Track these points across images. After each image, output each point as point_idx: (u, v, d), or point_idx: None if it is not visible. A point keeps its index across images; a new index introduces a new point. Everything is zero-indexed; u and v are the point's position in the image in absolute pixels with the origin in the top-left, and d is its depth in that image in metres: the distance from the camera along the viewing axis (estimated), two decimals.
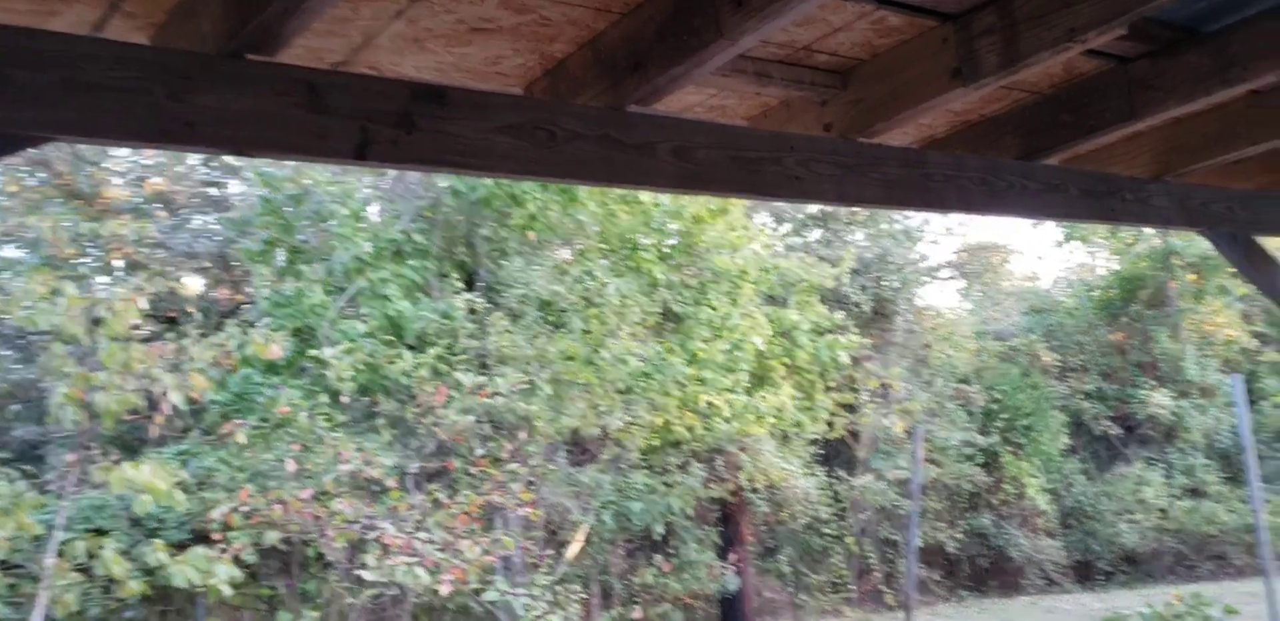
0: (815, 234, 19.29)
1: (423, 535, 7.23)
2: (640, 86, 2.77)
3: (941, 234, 27.11)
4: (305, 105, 2.31)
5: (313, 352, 9.62)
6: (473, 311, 10.32)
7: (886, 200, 3.53)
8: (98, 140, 2.08)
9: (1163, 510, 21.40)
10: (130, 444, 12.95)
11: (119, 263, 17.26)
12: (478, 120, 2.56)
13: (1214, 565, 21.42)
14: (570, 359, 9.87)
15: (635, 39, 2.74)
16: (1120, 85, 3.72)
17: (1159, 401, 21.96)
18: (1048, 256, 40.18)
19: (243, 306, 15.51)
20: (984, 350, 21.75)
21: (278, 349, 7.39)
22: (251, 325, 11.83)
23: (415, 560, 6.96)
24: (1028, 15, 2.96)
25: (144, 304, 6.84)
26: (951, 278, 24.32)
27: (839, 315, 14.38)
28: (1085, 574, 21.03)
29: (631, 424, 10.45)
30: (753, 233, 12.83)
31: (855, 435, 17.20)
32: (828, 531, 13.69)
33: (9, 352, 17.36)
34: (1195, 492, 22.06)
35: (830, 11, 2.96)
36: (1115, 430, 22.24)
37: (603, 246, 11.36)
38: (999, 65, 3.03)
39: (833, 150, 3.31)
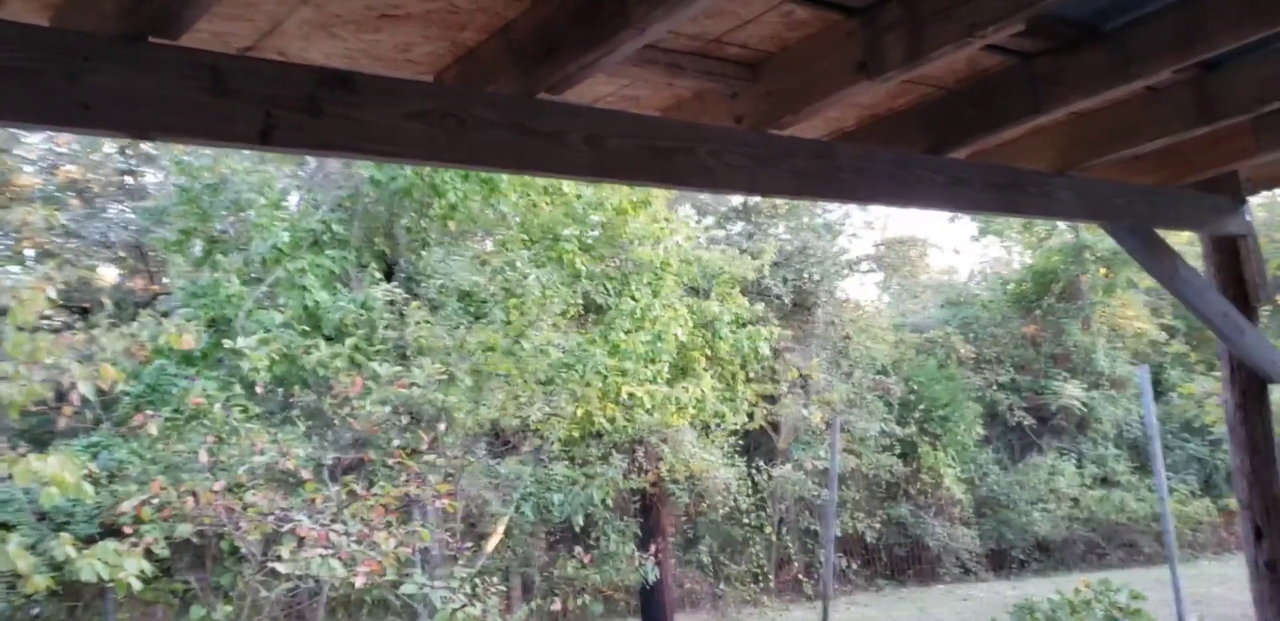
0: (738, 227, 19.44)
1: (338, 527, 7.17)
2: (551, 74, 2.79)
3: (861, 228, 27.41)
4: (209, 89, 2.29)
5: (227, 343, 9.49)
6: (391, 302, 10.26)
7: (797, 191, 3.58)
8: None
9: (1075, 499, 21.89)
10: (40, 436, 12.68)
11: (30, 251, 16.88)
12: (386, 106, 2.55)
13: (1124, 553, 21.96)
14: (490, 349, 9.85)
15: (546, 27, 2.76)
16: (1024, 81, 3.81)
17: (1071, 392, 22.46)
18: (965, 250, 40.82)
19: (159, 297, 15.26)
20: (902, 342, 22.07)
21: (191, 339, 7.27)
22: (166, 315, 11.65)
23: (330, 552, 6.91)
24: (932, 10, 3.01)
25: (52, 293, 6.68)
26: (870, 271, 24.63)
27: (760, 307, 14.49)
28: (1000, 562, 21.45)
29: (552, 415, 10.45)
30: (675, 225, 12.89)
31: (775, 426, 17.36)
32: (747, 522, 13.83)
33: None
34: (1106, 482, 22.61)
35: (739, 4, 2.99)
36: (1029, 421, 22.70)
37: (524, 237, 11.33)
38: (903, 59, 3.08)
39: (744, 142, 3.35)
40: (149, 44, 2.26)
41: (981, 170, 4.31)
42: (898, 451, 20.00)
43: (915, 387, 20.84)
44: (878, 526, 19.72)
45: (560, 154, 2.84)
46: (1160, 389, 21.89)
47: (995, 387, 22.84)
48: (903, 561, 20.76)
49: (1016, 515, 21.30)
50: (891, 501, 20.52)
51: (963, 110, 3.98)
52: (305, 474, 7.82)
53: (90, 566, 6.40)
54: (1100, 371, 23.26)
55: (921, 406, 20.61)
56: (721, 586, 13.95)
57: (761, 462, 15.38)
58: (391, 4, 2.66)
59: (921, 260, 27.73)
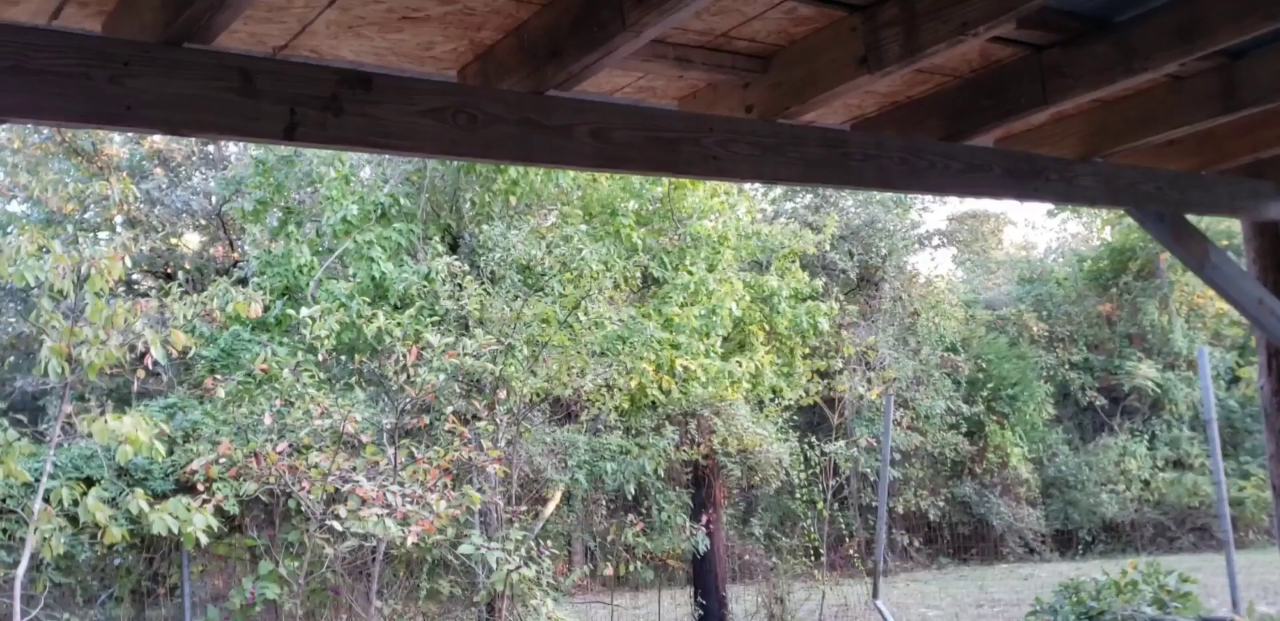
0: (805, 199, 19.44)
1: (395, 488, 7.53)
2: (558, 73, 3.00)
3: (933, 201, 27.09)
4: (237, 89, 2.54)
5: (290, 312, 9.91)
6: (453, 274, 10.58)
7: (805, 178, 3.76)
8: (44, 121, 2.32)
9: (1145, 481, 21.64)
10: (126, 396, 13.30)
11: (119, 218, 17.54)
12: (402, 104, 2.79)
13: (1195, 537, 21.65)
14: (545, 322, 10.14)
15: (553, 28, 2.96)
16: (1034, 72, 3.92)
17: (1145, 373, 22.14)
18: (1041, 226, 40.18)
19: (238, 264, 15.78)
20: (973, 319, 21.94)
21: (258, 307, 7.65)
22: (244, 283, 12.12)
23: (387, 512, 7.26)
24: (925, 9, 3.16)
25: (128, 262, 7.08)
26: (940, 245, 24.41)
27: (822, 281, 14.59)
28: (1065, 543, 21.34)
29: (604, 386, 10.72)
30: (735, 199, 13.02)
31: (834, 401, 17.45)
32: (803, 496, 14.01)
33: (14, 305, 17.74)
34: (1178, 464, 22.30)
35: (742, 2, 3.16)
36: (1101, 401, 22.44)
37: (583, 212, 11.58)
38: (900, 55, 3.24)
39: (751, 131, 3.53)
40: (184, 48, 2.52)
41: (999, 156, 4.43)
42: (964, 430, 19.96)
43: (984, 365, 20.73)
44: (941, 504, 19.74)
45: (567, 146, 3.06)
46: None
47: (1067, 367, 22.59)
48: (966, 540, 20.77)
49: (1084, 496, 21.13)
50: (956, 480, 20.50)
51: (977, 99, 4.11)
52: (365, 437, 8.19)
53: (161, 520, 6.82)
54: (1176, 352, 22.89)
55: (990, 385, 20.50)
56: (774, 559, 14.16)
57: (821, 438, 15.52)
58: (410, 7, 2.88)
59: (995, 235, 27.42)
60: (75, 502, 7.01)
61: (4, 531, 9.73)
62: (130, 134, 17.56)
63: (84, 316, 6.89)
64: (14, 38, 2.30)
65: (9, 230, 15.64)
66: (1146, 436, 22.44)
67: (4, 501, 9.10)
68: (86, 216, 17.49)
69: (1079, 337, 23.35)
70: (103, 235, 17.38)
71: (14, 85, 2.27)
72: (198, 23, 2.45)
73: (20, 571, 6.94)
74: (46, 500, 7.12)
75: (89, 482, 9.64)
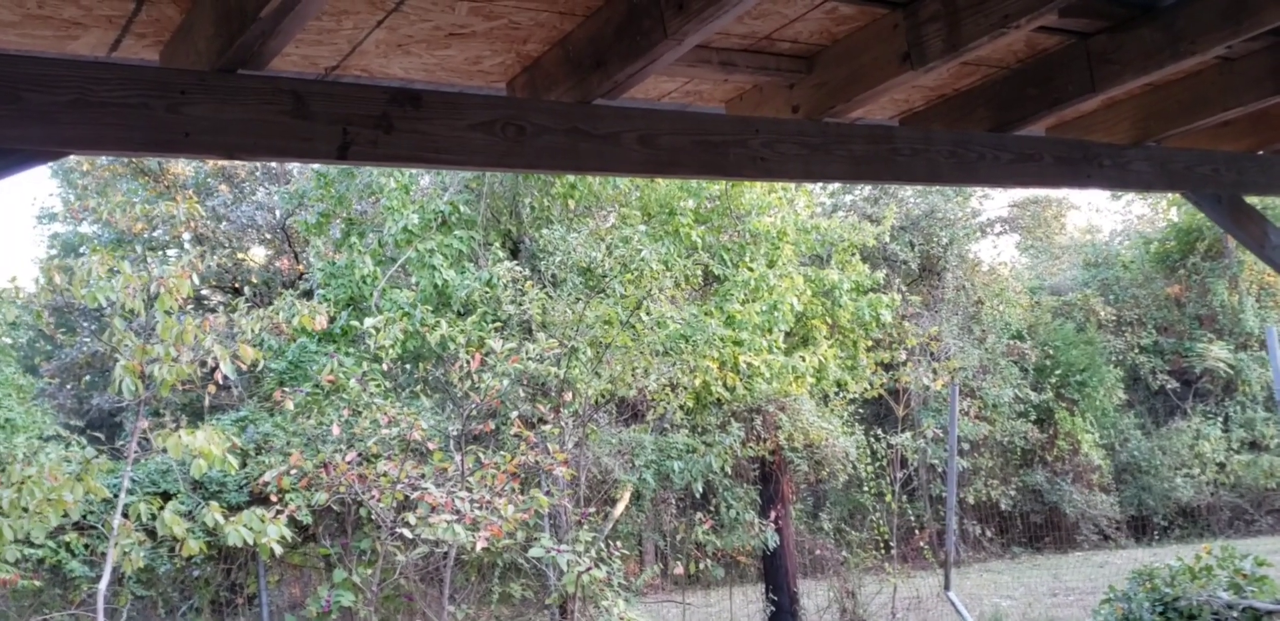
0: (864, 191, 19.34)
1: (463, 494, 7.62)
2: (603, 82, 3.04)
3: (993, 189, 26.75)
4: (291, 112, 2.61)
5: (355, 323, 10.06)
6: (514, 279, 10.68)
7: (854, 175, 3.77)
8: (106, 152, 2.40)
9: (1220, 464, 21.27)
10: (198, 411, 13.58)
11: (187, 235, 17.92)
12: (451, 119, 2.85)
13: (1274, 519, 21.26)
14: (608, 323, 10.20)
15: (597, 39, 3.01)
16: (1081, 59, 3.91)
17: (1217, 354, 21.75)
18: (1105, 209, 39.54)
19: (303, 276, 16.03)
20: (1038, 305, 21.69)
21: (323, 319, 7.78)
22: (309, 295, 12.32)
23: (456, 518, 7.35)
24: (966, 3, 3.16)
25: (196, 280, 7.23)
26: (1003, 233, 24.13)
27: (883, 273, 14.52)
28: (1141, 529, 21.03)
29: (668, 385, 10.75)
30: (792, 194, 13.00)
31: (899, 393, 17.34)
32: (871, 489, 13.96)
33: (87, 325, 18.19)
34: (1254, 446, 21.88)
35: (782, 4, 3.19)
36: (1172, 384, 22.08)
37: (640, 212, 11.62)
38: (943, 50, 3.24)
39: (798, 131, 3.55)
40: (238, 75, 2.60)
41: (1050, 145, 4.41)
42: (1033, 417, 19.73)
43: (1051, 352, 20.47)
44: (1012, 493, 19.53)
45: (615, 154, 3.10)
46: None
47: (1137, 350, 22.25)
48: (1039, 528, 20.52)
49: (1158, 481, 20.80)
50: (1027, 468, 20.27)
51: (1025, 89, 4.10)
52: (432, 445, 8.30)
53: (237, 532, 6.96)
54: (1249, 332, 22.45)
55: (1058, 371, 20.25)
56: (844, 553, 14.12)
57: (888, 430, 15.44)
58: (457, 24, 2.94)
59: (1058, 221, 27.06)
60: (153, 517, 7.17)
61: (86, 547, 9.97)
62: None
63: (155, 334, 7.04)
64: (75, 72, 2.38)
65: (81, 251, 16.06)
66: (1220, 418, 22.04)
67: (85, 517, 9.32)
68: (155, 235, 17.89)
69: (1148, 321, 22.99)
70: (171, 252, 17.78)
71: (77, 118, 2.36)
72: (250, 49, 2.52)
73: (103, 585, 7.10)
74: (125, 515, 7.29)
75: (166, 497, 9.85)
